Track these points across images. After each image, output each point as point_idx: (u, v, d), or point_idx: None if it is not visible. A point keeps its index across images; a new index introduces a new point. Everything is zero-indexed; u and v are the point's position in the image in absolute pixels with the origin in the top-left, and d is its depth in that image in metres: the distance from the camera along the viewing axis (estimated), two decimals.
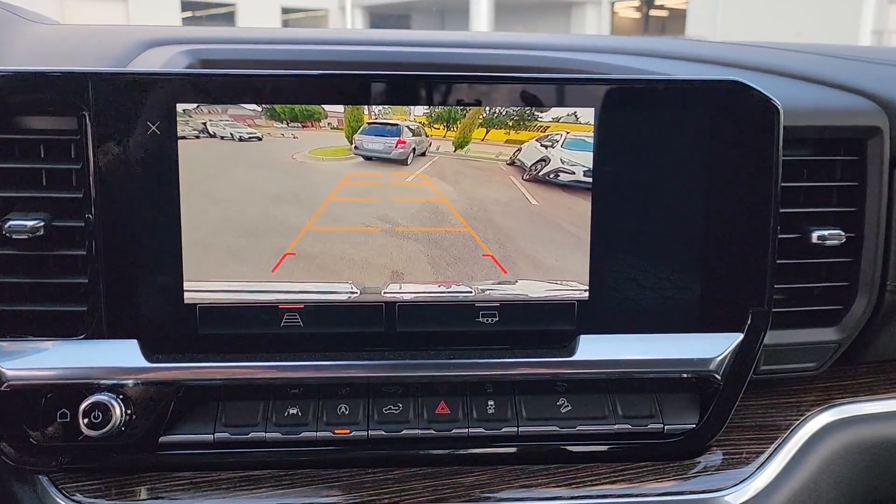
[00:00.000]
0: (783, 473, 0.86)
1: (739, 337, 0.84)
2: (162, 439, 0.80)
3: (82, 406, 0.77)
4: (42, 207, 0.79)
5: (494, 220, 0.81)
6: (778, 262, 0.84)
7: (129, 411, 0.78)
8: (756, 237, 0.83)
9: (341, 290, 0.80)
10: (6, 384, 0.77)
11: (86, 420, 0.77)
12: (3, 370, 0.77)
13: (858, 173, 0.92)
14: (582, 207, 0.81)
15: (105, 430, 0.77)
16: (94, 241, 0.77)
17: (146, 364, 0.78)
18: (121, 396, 0.78)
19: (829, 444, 0.90)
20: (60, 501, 0.77)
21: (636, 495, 0.81)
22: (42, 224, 0.77)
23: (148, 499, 0.78)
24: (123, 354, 0.78)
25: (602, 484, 0.82)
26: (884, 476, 0.93)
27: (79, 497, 0.78)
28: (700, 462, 0.86)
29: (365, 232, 0.80)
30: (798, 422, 0.91)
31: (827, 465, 0.89)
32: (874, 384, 0.99)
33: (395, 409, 0.83)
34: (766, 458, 0.86)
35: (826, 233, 0.89)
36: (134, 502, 0.78)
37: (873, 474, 0.93)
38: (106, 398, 0.77)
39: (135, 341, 0.79)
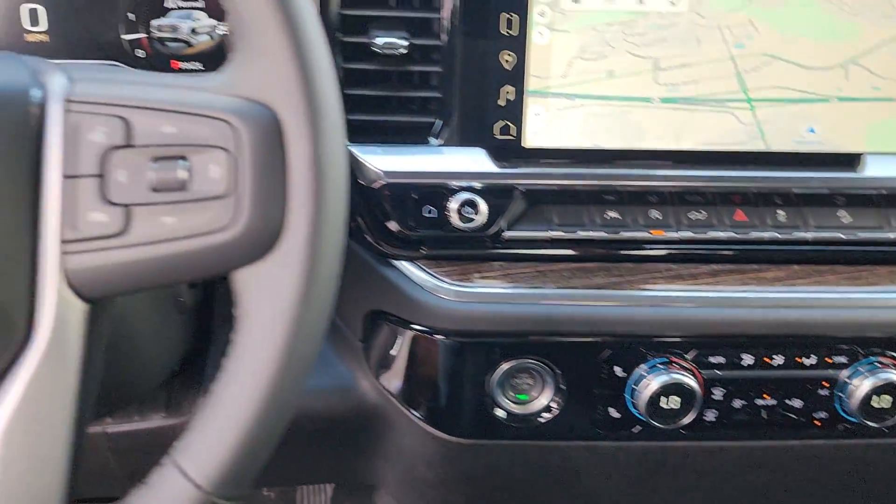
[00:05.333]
0: None
1: None
2: (505, 234, 0.93)
3: (452, 203, 0.89)
4: (399, 27, 0.89)
5: None
6: None
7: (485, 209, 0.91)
8: None
9: None
10: (379, 182, 0.89)
11: (456, 216, 0.90)
12: (382, 169, 0.89)
13: None
14: None
15: (471, 224, 0.90)
16: (448, 58, 0.88)
17: (496, 170, 0.91)
18: (479, 196, 0.90)
19: None
20: (426, 277, 0.92)
21: None
22: (406, 42, 0.87)
23: (504, 281, 0.92)
24: (477, 161, 0.90)
25: (881, 284, 0.95)
26: None
27: (444, 277, 0.92)
28: None
29: None
30: None
31: None
32: None
33: (701, 216, 0.95)
34: None
35: None
36: (493, 283, 0.92)
37: None
38: (474, 196, 0.89)
39: (483, 150, 0.91)
